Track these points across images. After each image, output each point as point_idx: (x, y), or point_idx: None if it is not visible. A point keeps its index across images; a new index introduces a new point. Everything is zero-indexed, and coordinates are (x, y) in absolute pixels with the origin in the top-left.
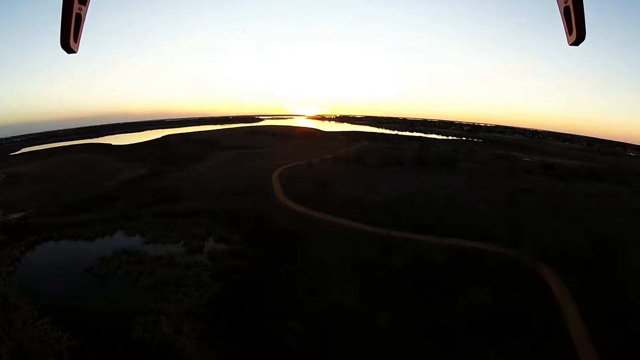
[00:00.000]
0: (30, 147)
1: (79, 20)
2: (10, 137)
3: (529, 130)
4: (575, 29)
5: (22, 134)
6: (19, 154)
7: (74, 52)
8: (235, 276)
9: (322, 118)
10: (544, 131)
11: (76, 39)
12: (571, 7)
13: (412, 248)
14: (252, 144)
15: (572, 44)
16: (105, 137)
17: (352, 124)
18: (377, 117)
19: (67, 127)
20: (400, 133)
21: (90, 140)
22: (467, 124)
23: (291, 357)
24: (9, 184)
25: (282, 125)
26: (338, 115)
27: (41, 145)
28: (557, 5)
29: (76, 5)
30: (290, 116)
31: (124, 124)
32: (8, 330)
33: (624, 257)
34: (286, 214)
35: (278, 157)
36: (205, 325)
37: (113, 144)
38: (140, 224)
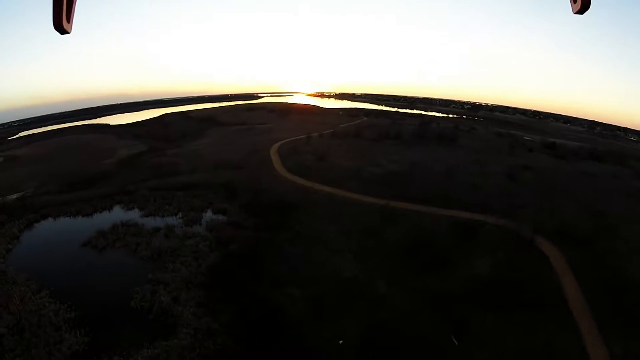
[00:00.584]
0: (28, 131)
1: (71, 0)
2: (7, 123)
3: (531, 111)
4: None
5: (19, 118)
6: (16, 137)
7: (67, 32)
8: (233, 246)
9: (321, 95)
10: (545, 112)
11: (69, 19)
12: None
13: (412, 218)
14: (251, 121)
15: (576, 13)
16: (103, 117)
17: (351, 101)
18: (377, 94)
19: (64, 110)
20: (400, 110)
21: (88, 121)
22: (467, 103)
23: (289, 323)
24: (8, 166)
25: (281, 103)
26: (338, 93)
27: (39, 128)
28: None
29: None
30: (290, 94)
31: (121, 104)
32: (6, 305)
33: (623, 234)
34: (284, 185)
35: (277, 132)
36: (202, 294)
37: (111, 123)
38: (139, 198)
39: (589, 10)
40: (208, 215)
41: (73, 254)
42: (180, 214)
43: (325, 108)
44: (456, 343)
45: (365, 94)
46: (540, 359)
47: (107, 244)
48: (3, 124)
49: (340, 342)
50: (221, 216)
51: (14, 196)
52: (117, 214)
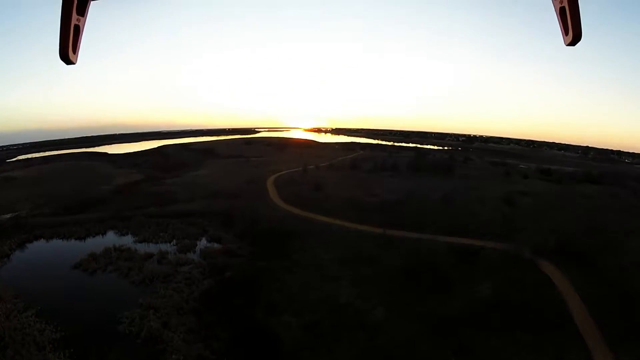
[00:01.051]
0: (26, 155)
1: (77, 31)
2: (7, 146)
3: (524, 140)
4: (572, 29)
5: (18, 142)
6: (14, 160)
7: (73, 63)
8: (227, 273)
9: (318, 130)
10: (539, 141)
11: (75, 50)
12: (567, 8)
13: (410, 245)
14: (248, 153)
15: (568, 45)
16: (101, 146)
17: (348, 135)
18: (373, 129)
19: (63, 137)
20: (396, 144)
21: (87, 149)
22: (462, 135)
23: (285, 350)
24: (3, 187)
25: (278, 137)
26: (334, 128)
27: (37, 153)
28: (552, 6)
29: (74, 16)
30: (287, 129)
31: (120, 134)
32: None
33: (624, 250)
34: (280, 214)
35: (274, 164)
36: (194, 320)
37: (109, 152)
38: (134, 224)
39: (580, 42)
40: (203, 242)
41: (63, 276)
42: (174, 241)
43: (322, 142)
44: None
45: (362, 129)
46: None
47: (98, 267)
48: (2, 147)
49: None
50: (216, 244)
51: (8, 216)
52: (111, 238)
